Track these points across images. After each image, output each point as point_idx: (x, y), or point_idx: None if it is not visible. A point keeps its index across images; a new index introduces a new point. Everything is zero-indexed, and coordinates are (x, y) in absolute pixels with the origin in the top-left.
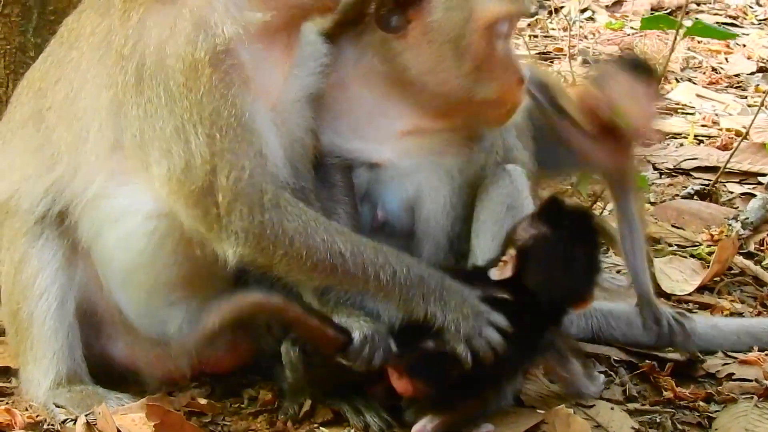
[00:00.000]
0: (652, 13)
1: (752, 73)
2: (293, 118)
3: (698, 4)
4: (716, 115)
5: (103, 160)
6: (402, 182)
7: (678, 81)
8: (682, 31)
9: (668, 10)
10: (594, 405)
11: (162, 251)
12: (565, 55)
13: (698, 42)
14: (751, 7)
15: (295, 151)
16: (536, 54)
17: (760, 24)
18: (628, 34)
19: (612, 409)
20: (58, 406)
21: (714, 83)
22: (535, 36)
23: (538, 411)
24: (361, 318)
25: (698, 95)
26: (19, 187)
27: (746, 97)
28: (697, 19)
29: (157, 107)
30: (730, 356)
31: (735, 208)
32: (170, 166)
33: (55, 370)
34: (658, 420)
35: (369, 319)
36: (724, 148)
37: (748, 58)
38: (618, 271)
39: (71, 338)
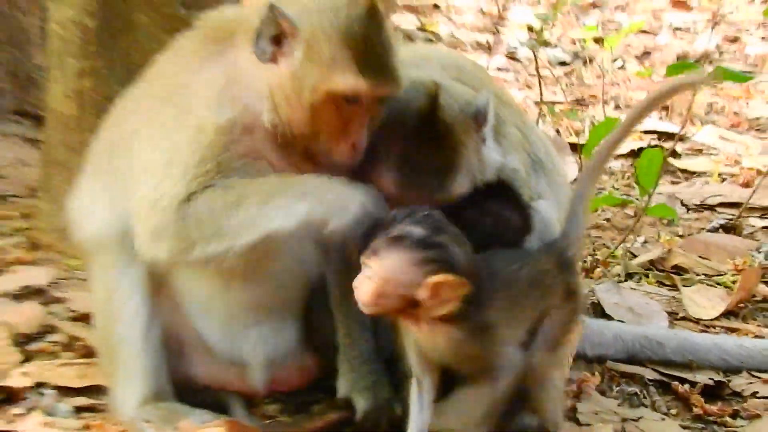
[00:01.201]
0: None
1: None
2: None
3: (720, 54)
4: (738, 155)
5: None
6: None
7: (702, 124)
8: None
9: (693, 60)
10: (642, 417)
11: (233, 280)
12: (599, 100)
13: (721, 88)
14: None
15: None
16: (573, 100)
17: None
18: (656, 81)
19: (663, 420)
20: (146, 422)
21: (736, 126)
22: (572, 84)
23: None
24: (362, 388)
25: (721, 137)
26: (101, 214)
27: (766, 139)
28: (717, 65)
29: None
30: (754, 376)
31: (757, 241)
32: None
33: (142, 388)
34: None
35: (370, 388)
36: (746, 185)
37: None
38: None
39: (158, 359)
